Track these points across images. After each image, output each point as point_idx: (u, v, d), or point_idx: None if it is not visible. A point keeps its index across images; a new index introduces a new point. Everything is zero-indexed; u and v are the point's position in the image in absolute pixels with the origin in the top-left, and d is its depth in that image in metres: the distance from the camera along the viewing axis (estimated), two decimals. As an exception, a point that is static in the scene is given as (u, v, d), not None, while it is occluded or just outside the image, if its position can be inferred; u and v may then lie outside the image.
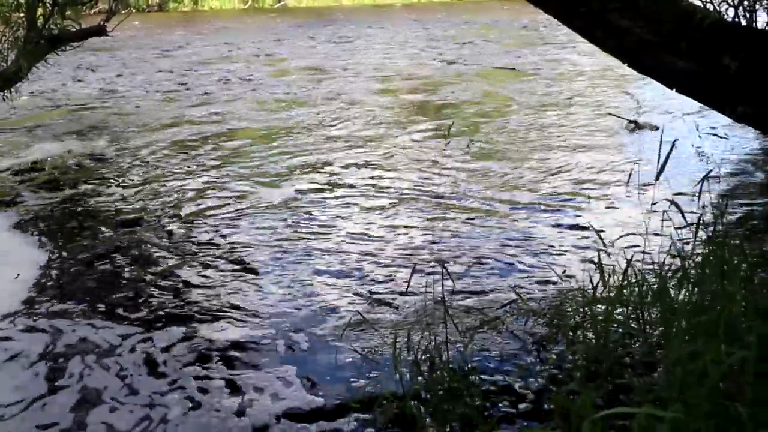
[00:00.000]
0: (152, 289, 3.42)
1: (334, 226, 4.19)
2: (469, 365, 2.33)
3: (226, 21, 22.80)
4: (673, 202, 2.34)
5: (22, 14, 6.58)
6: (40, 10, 6.69)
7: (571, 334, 2.33)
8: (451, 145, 6.12)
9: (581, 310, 2.39)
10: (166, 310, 3.18)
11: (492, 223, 4.13)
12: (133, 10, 23.80)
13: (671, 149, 2.24)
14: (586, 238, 3.75)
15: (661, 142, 2.49)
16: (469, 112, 7.76)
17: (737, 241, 2.30)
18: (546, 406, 2.24)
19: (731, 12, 2.47)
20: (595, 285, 2.43)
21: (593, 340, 2.27)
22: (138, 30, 19.03)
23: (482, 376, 2.43)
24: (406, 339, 2.29)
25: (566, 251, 3.63)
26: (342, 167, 5.52)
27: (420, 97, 8.88)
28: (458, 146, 6.09)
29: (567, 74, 10.14)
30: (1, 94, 6.12)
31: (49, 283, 3.52)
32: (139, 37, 17.73)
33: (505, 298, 3.05)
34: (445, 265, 3.38)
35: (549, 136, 6.38)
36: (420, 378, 2.14)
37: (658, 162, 2.21)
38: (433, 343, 2.38)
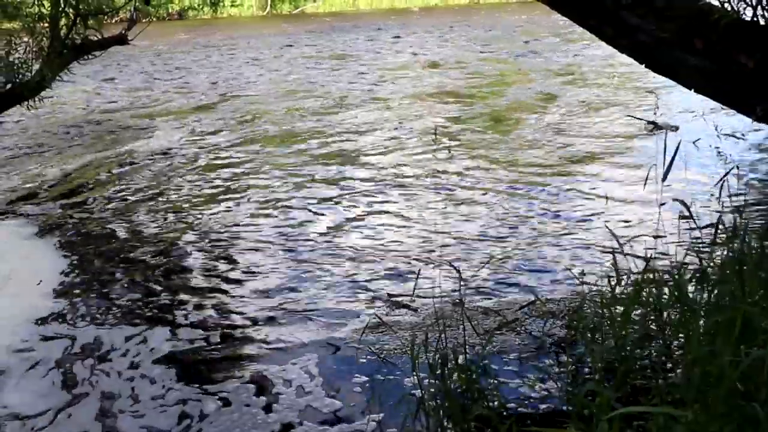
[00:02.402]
0: (175, 293, 3.47)
1: (353, 229, 4.23)
2: (488, 366, 2.33)
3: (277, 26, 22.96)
4: (683, 204, 2.32)
5: (45, 25, 6.71)
6: (63, 21, 6.81)
7: (589, 335, 2.32)
8: (467, 145, 6.13)
9: (599, 311, 2.38)
10: (187, 313, 3.23)
11: (509, 224, 4.13)
12: (154, 19, 24.17)
13: (676, 151, 2.23)
14: (604, 238, 3.73)
15: (667, 143, 2.48)
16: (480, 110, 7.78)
17: (756, 241, 2.27)
18: (564, 407, 2.23)
19: (749, 12, 2.45)
20: (613, 286, 2.42)
21: (611, 341, 2.26)
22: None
23: (500, 378, 2.44)
24: (424, 341, 2.30)
25: (584, 252, 3.62)
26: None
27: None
28: (469, 146, 6.10)
29: (586, 74, 10.11)
30: (26, 103, 6.23)
31: (71, 290, 3.58)
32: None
33: (523, 299, 3.05)
34: (464, 267, 3.40)
35: (567, 137, 6.35)
36: (437, 380, 2.15)
37: (664, 163, 2.20)
38: (451, 344, 2.39)
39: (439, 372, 2.14)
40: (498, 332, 2.78)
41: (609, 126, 6.71)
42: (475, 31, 18.17)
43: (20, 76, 5.91)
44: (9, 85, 5.76)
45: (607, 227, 2.99)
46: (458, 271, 2.48)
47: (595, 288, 2.66)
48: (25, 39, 6.41)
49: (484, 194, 4.77)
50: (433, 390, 2.15)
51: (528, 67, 11.45)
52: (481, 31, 17.93)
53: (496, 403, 2.25)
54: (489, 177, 5.19)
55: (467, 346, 2.40)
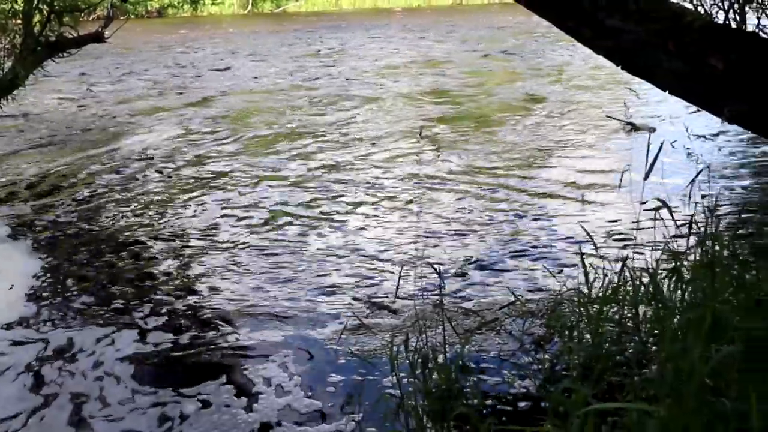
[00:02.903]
0: (151, 294, 3.44)
1: (332, 230, 4.23)
2: (467, 366, 2.35)
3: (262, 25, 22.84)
4: (664, 203, 2.37)
5: (18, 21, 6.61)
6: (37, 17, 6.71)
7: (567, 333, 2.36)
8: (450, 146, 6.16)
9: (577, 310, 2.42)
10: (162, 315, 3.21)
11: (489, 225, 4.16)
12: (132, 17, 23.94)
13: (659, 151, 2.28)
14: (581, 238, 3.78)
15: (645, 144, 2.53)
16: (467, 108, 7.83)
17: (727, 240, 2.33)
18: (543, 404, 2.27)
19: (721, 15, 2.50)
20: (590, 285, 2.46)
21: (588, 339, 2.30)
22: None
23: (480, 376, 2.46)
24: (403, 341, 2.32)
25: (563, 252, 3.66)
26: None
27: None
28: (451, 147, 6.13)
29: (568, 75, 10.20)
30: None
31: (43, 293, 3.53)
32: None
33: (503, 299, 3.08)
34: (444, 268, 3.42)
35: (546, 138, 6.41)
36: (417, 379, 2.17)
37: (646, 163, 2.24)
38: (430, 344, 2.41)
39: (419, 371, 2.15)
40: (478, 332, 2.81)
41: (588, 127, 6.79)
42: (462, 31, 18.23)
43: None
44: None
45: (583, 227, 3.03)
46: (439, 273, 2.49)
47: (572, 287, 2.71)
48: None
49: (464, 195, 4.80)
50: (412, 389, 2.17)
51: (515, 66, 11.53)
52: (468, 31, 18.00)
53: (475, 401, 2.28)
54: (469, 178, 5.22)
55: (447, 346, 2.42)
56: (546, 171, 5.33)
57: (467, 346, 2.52)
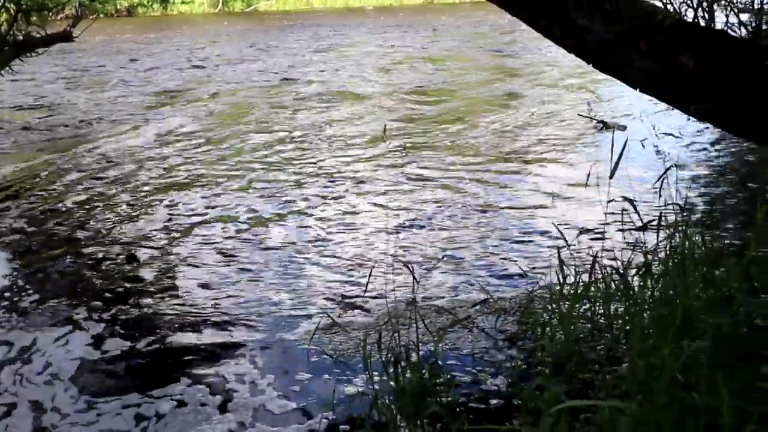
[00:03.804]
0: (123, 296, 3.38)
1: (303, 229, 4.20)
2: (440, 364, 2.34)
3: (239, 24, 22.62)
4: (630, 201, 2.38)
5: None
6: (4, 16, 6.58)
7: (539, 330, 2.36)
8: (421, 143, 6.17)
9: (549, 307, 2.42)
10: (134, 315, 3.16)
11: (460, 223, 4.16)
12: (101, 16, 23.58)
13: (623, 149, 2.30)
14: (552, 235, 3.80)
15: (615, 142, 2.55)
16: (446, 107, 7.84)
17: (697, 236, 2.35)
18: (515, 402, 2.26)
19: (690, 13, 2.52)
20: (561, 282, 2.46)
21: (560, 337, 2.30)
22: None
23: (453, 374, 2.45)
24: (376, 340, 2.30)
25: (534, 249, 3.68)
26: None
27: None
28: (422, 146, 6.14)
29: (541, 73, 10.29)
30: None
31: (22, 293, 3.46)
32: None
33: (476, 297, 3.08)
34: (416, 265, 3.41)
35: (519, 136, 6.46)
36: (390, 378, 2.15)
37: (611, 161, 2.26)
38: (403, 343, 2.39)
39: (391, 370, 2.13)
40: (451, 330, 2.79)
41: (561, 125, 6.85)
42: (444, 29, 18.28)
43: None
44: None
45: (554, 224, 3.05)
46: (411, 270, 2.48)
47: (544, 284, 2.71)
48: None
49: (434, 193, 4.80)
50: (385, 388, 2.15)
51: (492, 64, 11.59)
52: (450, 29, 18.06)
53: (448, 399, 2.27)
54: (441, 176, 5.22)
55: (420, 345, 2.41)
56: (516, 168, 5.36)
57: (440, 344, 2.50)
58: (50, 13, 7.91)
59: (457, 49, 14.11)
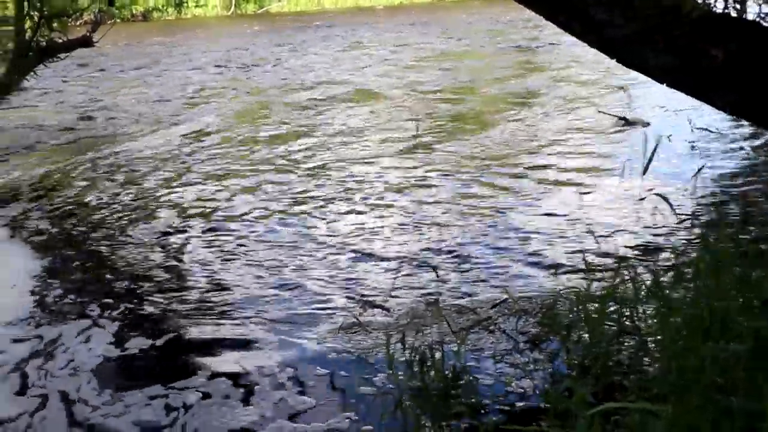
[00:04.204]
0: (149, 290, 3.43)
1: (325, 228, 4.18)
2: (463, 364, 2.31)
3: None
4: (664, 198, 2.32)
5: (10, 28, 6.57)
6: (27, 23, 6.68)
7: (564, 332, 2.31)
8: (443, 143, 6.12)
9: (574, 308, 2.37)
10: (159, 312, 3.19)
11: (483, 222, 4.11)
12: (118, 21, 23.86)
13: (657, 145, 2.24)
14: (576, 234, 3.74)
15: (639, 138, 2.50)
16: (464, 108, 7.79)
17: (731, 236, 2.28)
18: (541, 404, 2.22)
19: (720, 4, 2.46)
20: (588, 282, 2.41)
21: (586, 338, 2.25)
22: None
23: (476, 376, 2.41)
24: (399, 340, 2.27)
25: (558, 249, 3.60)
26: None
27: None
28: (447, 143, 6.08)
29: (563, 69, 10.13)
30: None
31: (44, 292, 3.51)
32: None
33: (497, 297, 3.04)
34: (438, 265, 3.38)
35: (542, 133, 6.36)
36: (415, 377, 2.13)
37: (644, 157, 2.20)
38: (426, 343, 2.37)
39: (417, 370, 2.11)
40: (472, 330, 2.75)
41: (584, 122, 6.71)
42: (458, 26, 18.17)
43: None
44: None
45: (579, 223, 2.99)
46: (434, 270, 2.45)
47: (569, 285, 2.66)
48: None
49: (456, 191, 4.75)
50: (410, 388, 2.13)
51: (513, 61, 11.48)
52: (465, 26, 17.96)
53: (473, 400, 2.24)
54: (463, 173, 5.17)
55: (443, 345, 2.38)
56: (539, 166, 5.27)
57: (464, 346, 2.46)
58: (70, 19, 8.02)
59: (477, 46, 14.00)
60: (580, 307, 2.31)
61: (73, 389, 2.59)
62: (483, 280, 3.28)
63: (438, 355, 2.32)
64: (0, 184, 5.73)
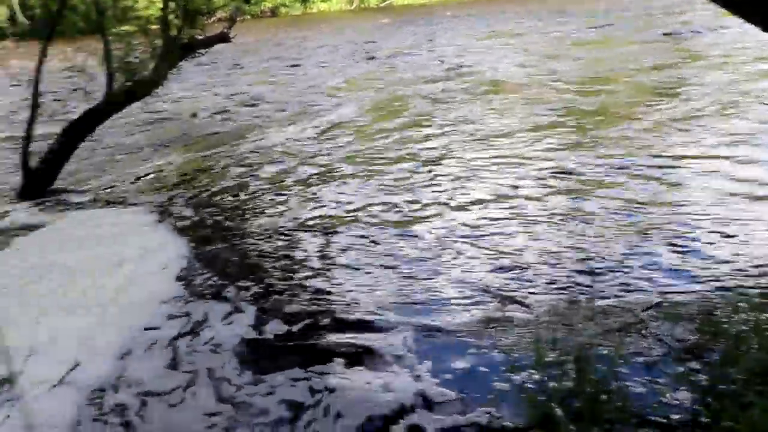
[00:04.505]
0: (288, 279, 3.54)
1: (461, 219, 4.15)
2: (616, 369, 2.21)
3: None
4: None
5: (156, 27, 7.02)
6: (172, 21, 7.10)
7: (732, 342, 2.15)
8: (581, 138, 5.88)
9: (744, 316, 2.20)
10: (300, 298, 3.29)
11: (621, 221, 3.90)
12: (248, 17, 25.02)
13: None
14: (729, 236, 3.46)
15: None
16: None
17: None
18: (700, 419, 2.08)
19: None
20: (761, 289, 2.23)
21: (756, 350, 2.08)
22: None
23: (627, 382, 2.30)
24: (546, 339, 2.21)
25: (706, 251, 3.35)
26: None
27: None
28: (599, 138, 5.77)
29: (722, 57, 9.31)
30: (143, 99, 6.55)
31: (194, 273, 3.74)
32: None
33: (647, 300, 2.88)
34: (576, 262, 3.26)
35: (689, 127, 5.89)
36: (567, 378, 2.06)
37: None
38: (575, 344, 2.29)
39: (568, 370, 2.05)
40: (622, 333, 2.64)
41: (741, 115, 6.07)
42: (600, 13, 17.30)
43: (137, 75, 6.22)
44: (128, 84, 6.07)
45: (731, 223, 2.76)
46: (591, 270, 2.36)
47: (731, 291, 2.48)
48: (140, 40, 6.73)
49: (595, 188, 4.53)
50: (561, 388, 2.07)
51: (663, 48, 10.71)
52: (606, 13, 17.11)
53: (625, 406, 2.14)
54: (602, 170, 4.91)
55: (593, 346, 2.29)
56: (687, 164, 4.88)
57: (619, 350, 2.36)
58: (206, 17, 8.44)
59: (623, 33, 13.24)
60: (751, 316, 2.14)
61: (218, 367, 2.74)
62: (631, 281, 3.11)
63: (588, 357, 2.24)
64: (152, 173, 6.17)
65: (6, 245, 4.45)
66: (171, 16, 7.01)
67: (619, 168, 4.93)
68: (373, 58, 13.39)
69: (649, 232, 3.70)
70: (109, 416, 2.48)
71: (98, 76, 6.06)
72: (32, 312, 2.97)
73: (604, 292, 3.02)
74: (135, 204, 5.17)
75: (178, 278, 3.68)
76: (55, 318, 3.07)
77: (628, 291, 3.02)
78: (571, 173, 4.93)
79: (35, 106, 5.64)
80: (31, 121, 5.62)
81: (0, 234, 4.68)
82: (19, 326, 3.01)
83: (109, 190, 5.74)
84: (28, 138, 5.56)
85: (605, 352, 2.34)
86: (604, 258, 3.38)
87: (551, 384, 2.15)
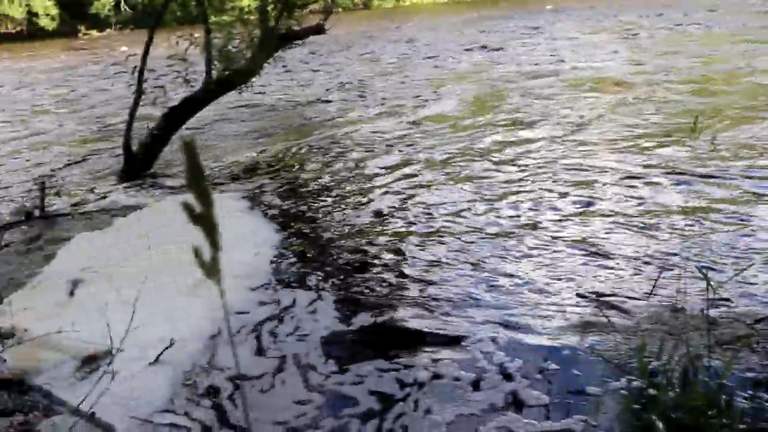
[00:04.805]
0: (376, 271, 3.54)
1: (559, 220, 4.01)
2: (722, 383, 2.06)
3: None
4: None
5: (255, 16, 7.20)
6: (270, 11, 7.26)
7: None
8: (687, 139, 5.54)
9: None
10: (378, 293, 3.28)
11: (732, 228, 3.65)
12: (341, 10, 25.39)
13: None
14: None
15: None
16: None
17: None
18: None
19: None
20: None
21: None
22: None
23: (735, 398, 2.14)
24: (657, 347, 2.08)
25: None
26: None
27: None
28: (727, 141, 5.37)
29: None
30: (240, 88, 6.74)
31: (283, 260, 3.82)
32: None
33: (757, 312, 2.68)
34: (671, 268, 3.08)
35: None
36: (671, 390, 1.94)
37: None
38: (682, 354, 2.15)
39: (675, 382, 1.92)
40: (730, 345, 2.46)
41: None
42: (720, 6, 16.45)
43: (235, 64, 6.39)
44: (227, 72, 6.25)
45: None
46: (705, 276, 2.20)
47: None
48: (239, 30, 6.92)
49: (699, 194, 4.26)
50: (664, 400, 1.95)
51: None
52: (726, 6, 16.21)
53: (734, 425, 1.99)
54: (711, 174, 4.60)
55: (701, 358, 2.15)
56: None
57: (731, 365, 2.19)
58: (302, 10, 8.57)
59: (748, 27, 12.47)
60: None
61: (304, 355, 2.77)
62: (746, 291, 2.91)
63: (695, 368, 2.09)
64: (248, 160, 6.35)
65: (107, 224, 4.71)
66: (269, 7, 7.17)
67: (740, 174, 4.58)
68: (471, 50, 13.23)
69: (755, 242, 3.44)
70: (202, 399, 2.55)
71: (198, 63, 6.26)
72: (130, 291, 3.10)
73: (715, 303, 2.82)
74: (229, 190, 5.32)
75: (268, 265, 3.76)
76: (151, 298, 3.20)
77: (735, 302, 2.82)
78: (688, 177, 4.61)
79: (139, 92, 5.92)
80: (134, 107, 5.90)
81: (101, 214, 4.94)
82: (119, 304, 3.14)
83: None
84: (130, 123, 5.84)
85: (713, 364, 2.18)
86: (716, 267, 3.18)
87: (653, 394, 2.02)
